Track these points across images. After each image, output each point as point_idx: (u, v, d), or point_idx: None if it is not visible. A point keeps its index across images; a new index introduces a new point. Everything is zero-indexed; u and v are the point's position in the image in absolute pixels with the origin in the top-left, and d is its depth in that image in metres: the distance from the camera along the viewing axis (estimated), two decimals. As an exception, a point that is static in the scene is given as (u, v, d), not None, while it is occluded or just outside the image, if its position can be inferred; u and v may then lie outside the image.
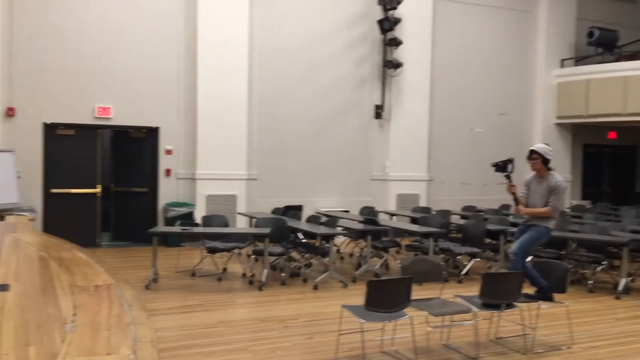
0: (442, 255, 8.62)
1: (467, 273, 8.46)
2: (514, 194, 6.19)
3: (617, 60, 13.46)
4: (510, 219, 9.89)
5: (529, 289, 5.69)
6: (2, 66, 9.56)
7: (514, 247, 6.21)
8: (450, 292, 5.95)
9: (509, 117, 13.77)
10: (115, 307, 3.03)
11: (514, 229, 8.70)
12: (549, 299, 5.69)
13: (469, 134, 13.34)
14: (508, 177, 6.23)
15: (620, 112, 12.48)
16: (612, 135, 14.90)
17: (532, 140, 13.94)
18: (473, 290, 6.03)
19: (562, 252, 8.31)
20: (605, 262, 8.21)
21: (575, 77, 13.47)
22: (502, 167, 6.26)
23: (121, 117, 10.40)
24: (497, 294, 5.17)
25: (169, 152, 10.76)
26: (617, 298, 7.43)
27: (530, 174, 6.34)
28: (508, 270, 6.16)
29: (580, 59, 13.98)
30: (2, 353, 2.34)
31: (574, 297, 7.25)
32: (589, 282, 7.99)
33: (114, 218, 11.02)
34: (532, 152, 6.18)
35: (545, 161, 6.10)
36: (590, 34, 13.61)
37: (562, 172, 13.92)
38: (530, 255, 6.80)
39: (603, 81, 12.85)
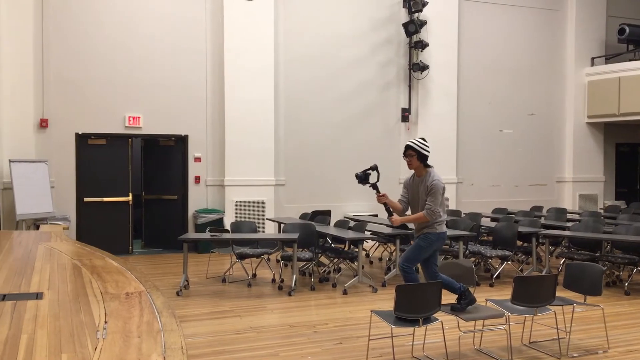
0: (472, 259, 8.54)
1: (498, 276, 8.35)
2: (385, 204, 5.51)
3: (650, 56, 13.17)
4: (542, 220, 9.74)
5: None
6: (35, 79, 9.79)
7: (399, 261, 5.64)
8: (481, 296, 5.87)
9: (539, 117, 13.57)
10: (146, 314, 3.06)
11: (547, 231, 8.62)
12: (473, 300, 5.22)
13: (498, 135, 13.18)
14: (374, 187, 5.54)
15: (654, 110, 12.21)
16: (646, 133, 14.58)
17: (563, 140, 13.75)
18: (505, 293, 5.95)
19: (597, 254, 8.14)
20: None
21: (606, 75, 13.21)
22: (363, 178, 5.52)
23: (151, 126, 10.55)
24: (529, 298, 5.08)
25: (197, 159, 10.87)
26: (655, 300, 7.25)
27: (409, 173, 5.69)
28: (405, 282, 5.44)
29: (611, 57, 13.71)
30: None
31: (610, 299, 7.10)
32: (625, 284, 7.81)
33: (145, 225, 11.17)
34: (407, 147, 5.45)
35: (422, 157, 5.43)
36: (621, 31, 13.34)
37: (595, 173, 13.77)
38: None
39: (635, 79, 12.56)
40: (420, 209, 5.50)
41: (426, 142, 5.50)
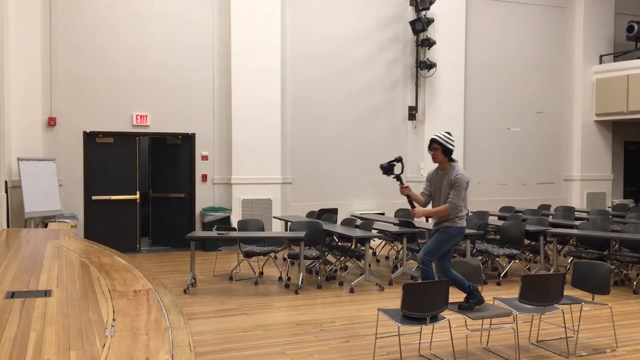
0: (480, 257, 8.52)
1: (506, 275, 8.32)
2: (407, 196, 5.59)
3: (659, 54, 13.10)
4: (550, 219, 9.70)
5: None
6: (43, 78, 9.83)
7: (419, 254, 5.60)
8: (489, 295, 5.86)
9: (547, 115, 13.51)
10: (154, 311, 3.08)
11: (554, 230, 8.59)
12: (481, 300, 5.24)
13: (506, 133, 13.14)
14: (397, 178, 5.61)
15: (663, 108, 12.13)
16: (655, 131, 14.50)
17: (571, 138, 13.69)
18: (512, 292, 5.93)
19: (605, 253, 8.11)
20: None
21: (614, 73, 13.14)
22: (387, 169, 5.61)
23: (158, 124, 10.58)
24: (537, 296, 5.06)
25: (204, 157, 10.89)
26: (664, 299, 7.21)
27: (433, 167, 5.73)
28: (421, 279, 5.53)
29: (619, 55, 13.64)
30: (45, 358, 2.40)
31: (618, 298, 7.07)
32: (633, 283, 7.77)
33: (153, 224, 11.20)
34: (432, 141, 5.51)
35: (447, 151, 5.48)
36: (630, 29, 13.27)
37: (603, 171, 13.69)
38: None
39: (644, 76, 12.50)
40: (442, 203, 5.53)
41: (451, 136, 5.57)
